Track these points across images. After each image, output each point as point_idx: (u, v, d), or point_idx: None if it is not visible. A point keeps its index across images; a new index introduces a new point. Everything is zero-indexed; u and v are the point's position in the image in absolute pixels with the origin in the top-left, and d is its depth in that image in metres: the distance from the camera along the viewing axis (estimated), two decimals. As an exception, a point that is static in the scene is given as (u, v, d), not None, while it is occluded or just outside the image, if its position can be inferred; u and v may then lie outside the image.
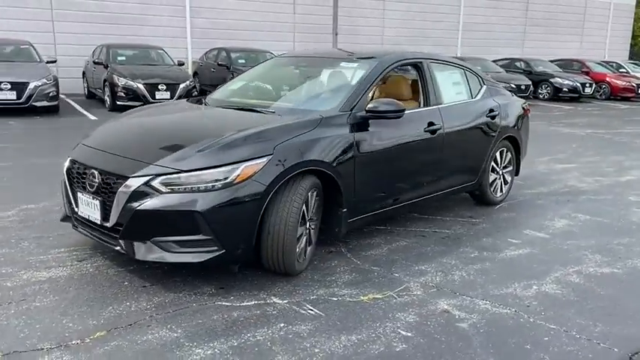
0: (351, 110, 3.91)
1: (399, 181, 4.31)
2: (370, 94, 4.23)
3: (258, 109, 4.09)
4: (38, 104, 10.58)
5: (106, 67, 12.09)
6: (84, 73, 14.09)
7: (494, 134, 5.23)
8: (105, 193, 3.30)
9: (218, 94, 4.83)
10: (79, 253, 3.78)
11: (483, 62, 18.24)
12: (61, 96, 13.81)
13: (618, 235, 4.74)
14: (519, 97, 6.39)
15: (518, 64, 20.20)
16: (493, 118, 5.23)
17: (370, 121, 3.99)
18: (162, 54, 13.29)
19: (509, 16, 23.28)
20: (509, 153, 5.59)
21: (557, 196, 5.98)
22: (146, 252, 3.19)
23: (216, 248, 3.17)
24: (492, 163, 5.37)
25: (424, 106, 4.64)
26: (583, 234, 4.73)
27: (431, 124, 4.50)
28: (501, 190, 5.60)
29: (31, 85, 10.44)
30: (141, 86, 11.21)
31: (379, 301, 3.29)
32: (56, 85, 10.93)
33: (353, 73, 4.35)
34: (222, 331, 2.85)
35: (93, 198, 3.38)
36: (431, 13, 20.89)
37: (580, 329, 3.04)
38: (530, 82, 17.49)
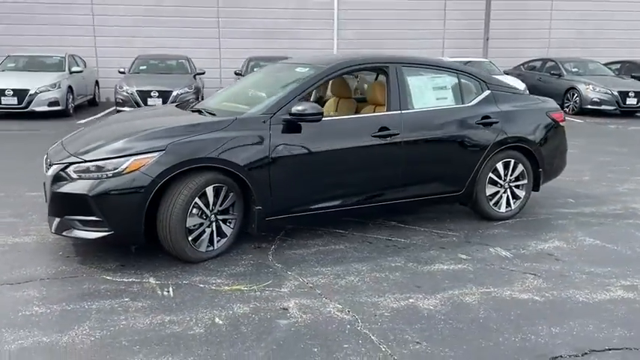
0: (274, 113, 4.11)
1: (337, 184, 4.34)
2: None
3: (205, 112, 4.50)
4: (180, 109, 12.26)
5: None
6: (237, 82, 15.77)
7: (488, 143, 4.85)
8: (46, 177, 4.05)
9: (209, 98, 5.34)
10: (58, 228, 4.60)
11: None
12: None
13: (606, 264, 4.09)
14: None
15: None
16: (488, 125, 4.86)
17: (302, 124, 4.14)
18: (297, 64, 14.27)
19: None
20: (520, 165, 5.08)
21: (590, 218, 5.24)
22: (59, 227, 3.85)
23: (106, 229, 3.70)
24: (491, 175, 4.97)
25: (388, 110, 4.57)
26: (560, 259, 4.18)
27: (384, 129, 4.42)
28: (508, 206, 5.12)
29: (174, 93, 12.15)
30: (265, 94, 12.23)
31: (237, 292, 3.48)
32: (197, 92, 12.54)
33: (297, 79, 4.49)
34: (72, 298, 3.35)
35: (44, 182, 4.17)
36: (611, 11, 18.61)
37: (397, 344, 2.88)
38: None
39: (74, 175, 3.75)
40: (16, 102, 11.59)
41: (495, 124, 4.90)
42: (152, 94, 12.09)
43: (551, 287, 3.65)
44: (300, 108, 4.05)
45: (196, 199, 3.80)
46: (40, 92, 11.74)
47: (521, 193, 5.18)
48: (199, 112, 4.59)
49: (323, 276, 3.76)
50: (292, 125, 4.12)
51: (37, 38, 15.82)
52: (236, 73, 14.19)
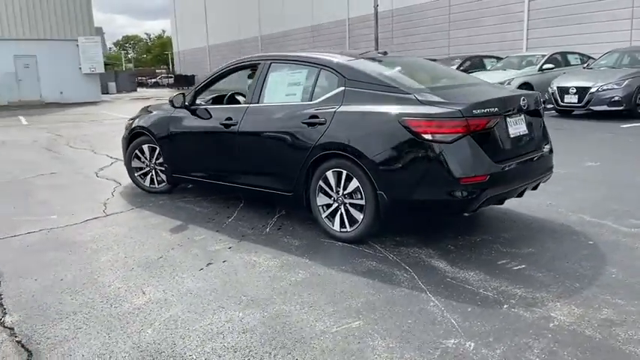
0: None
1: (199, 160, 5.39)
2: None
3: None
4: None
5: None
6: None
7: (310, 145, 4.31)
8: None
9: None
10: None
11: None
12: None
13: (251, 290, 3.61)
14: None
15: None
16: (312, 125, 4.31)
17: (197, 108, 5.52)
18: None
19: None
20: (354, 180, 4.10)
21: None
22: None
23: (123, 159, 6.58)
24: (321, 183, 4.33)
25: (248, 103, 5.03)
26: (227, 274, 3.90)
27: (228, 119, 5.02)
28: (343, 226, 4.24)
29: (592, 90, 11.08)
30: None
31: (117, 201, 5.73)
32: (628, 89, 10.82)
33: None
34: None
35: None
36: None
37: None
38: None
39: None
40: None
41: (321, 125, 4.25)
42: (570, 90, 11.47)
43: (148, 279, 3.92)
44: (172, 96, 5.51)
45: (136, 151, 6.08)
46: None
47: (357, 215, 4.13)
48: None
49: (123, 214, 5.32)
50: (187, 109, 5.52)
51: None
52: None
